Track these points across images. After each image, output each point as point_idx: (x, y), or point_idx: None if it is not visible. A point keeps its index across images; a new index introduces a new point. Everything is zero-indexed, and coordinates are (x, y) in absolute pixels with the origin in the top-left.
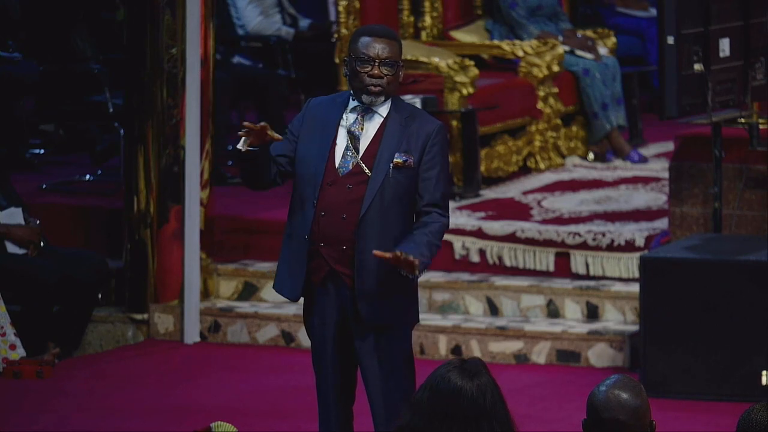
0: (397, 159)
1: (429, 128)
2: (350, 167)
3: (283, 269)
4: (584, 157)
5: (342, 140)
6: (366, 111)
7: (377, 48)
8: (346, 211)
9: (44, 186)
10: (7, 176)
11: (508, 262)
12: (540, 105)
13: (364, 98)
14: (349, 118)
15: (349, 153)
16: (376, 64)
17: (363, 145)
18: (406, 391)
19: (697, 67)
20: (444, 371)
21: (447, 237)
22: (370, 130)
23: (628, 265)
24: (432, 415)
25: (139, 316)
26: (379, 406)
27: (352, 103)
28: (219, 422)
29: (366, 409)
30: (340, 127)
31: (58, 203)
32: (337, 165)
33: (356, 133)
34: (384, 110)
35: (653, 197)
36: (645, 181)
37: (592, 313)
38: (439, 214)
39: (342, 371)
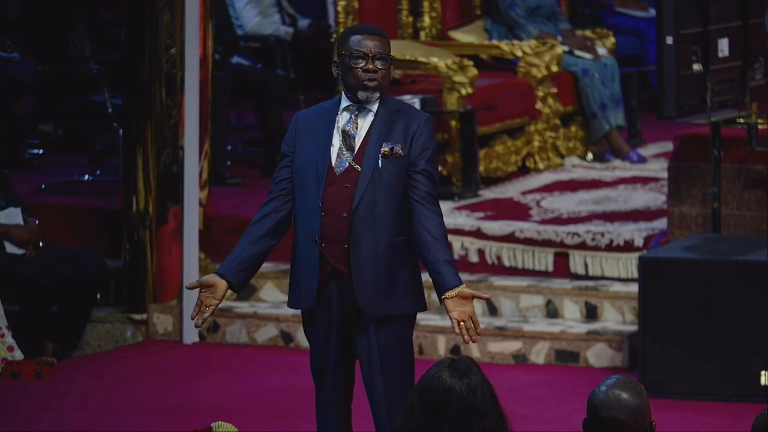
0: (385, 148)
1: (416, 119)
2: (346, 165)
3: (299, 282)
4: (583, 158)
5: (337, 141)
6: (359, 109)
7: (370, 44)
8: (346, 209)
9: (43, 186)
10: (6, 176)
11: (506, 262)
12: (539, 105)
13: (360, 94)
14: (342, 117)
15: (344, 152)
16: (370, 58)
17: (357, 143)
18: (407, 390)
19: (696, 67)
20: (434, 371)
21: None
22: (363, 127)
23: (627, 265)
24: (424, 416)
25: (137, 317)
26: (381, 405)
27: (345, 103)
28: (219, 422)
29: (366, 410)
30: (335, 129)
31: (56, 203)
32: (333, 165)
33: (351, 132)
34: (375, 107)
35: (652, 197)
36: (644, 181)
37: (591, 313)
38: (434, 208)
39: (342, 371)
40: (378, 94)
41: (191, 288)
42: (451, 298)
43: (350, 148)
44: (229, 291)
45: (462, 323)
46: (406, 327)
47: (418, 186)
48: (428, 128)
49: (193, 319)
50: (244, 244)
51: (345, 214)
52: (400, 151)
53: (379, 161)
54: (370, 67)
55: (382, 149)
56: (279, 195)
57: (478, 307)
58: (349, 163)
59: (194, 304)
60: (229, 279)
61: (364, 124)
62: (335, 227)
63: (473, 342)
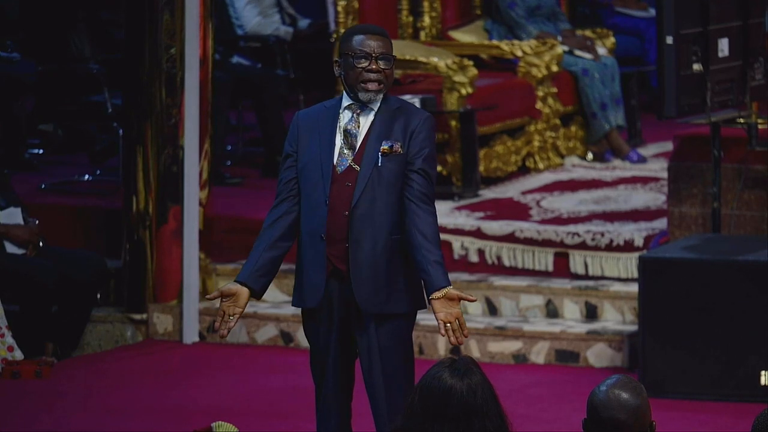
0: (384, 146)
1: (416, 118)
2: (347, 165)
3: (304, 280)
4: (583, 157)
5: (338, 140)
6: (361, 108)
7: (373, 44)
8: (346, 208)
9: (43, 186)
10: (6, 176)
11: (506, 262)
12: (539, 105)
13: (362, 95)
14: (344, 116)
15: (345, 151)
16: (374, 58)
17: (358, 142)
18: (407, 389)
19: (696, 67)
20: (435, 371)
21: (446, 237)
22: (364, 126)
23: (627, 265)
24: (424, 416)
25: (137, 316)
26: (381, 404)
27: (346, 102)
28: (220, 422)
29: (365, 409)
30: (337, 128)
31: (57, 203)
32: (335, 164)
33: (352, 131)
34: (376, 105)
35: (652, 197)
36: (644, 181)
37: (591, 313)
38: (428, 208)
39: (342, 370)
40: (380, 95)
41: (212, 299)
42: (438, 299)
43: (351, 147)
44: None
45: (448, 324)
46: (407, 326)
47: (413, 185)
48: (427, 127)
49: (217, 330)
50: (260, 250)
51: (345, 213)
52: (400, 149)
53: (379, 159)
54: (374, 67)
55: (382, 147)
56: (288, 197)
57: (478, 307)
58: (349, 162)
59: (192, 305)
60: (250, 286)
61: (366, 122)
62: (337, 225)
63: (459, 344)
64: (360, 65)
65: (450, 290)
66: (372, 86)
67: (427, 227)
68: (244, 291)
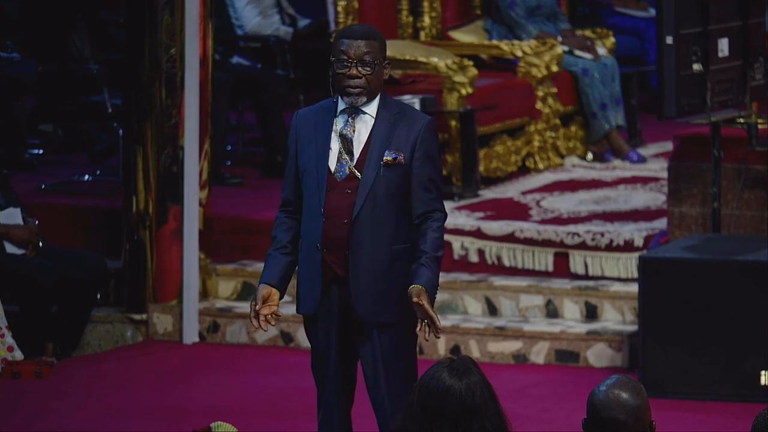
0: (387, 157)
1: (418, 124)
2: (346, 171)
3: (302, 287)
4: (583, 157)
5: (336, 145)
6: (356, 112)
7: (354, 48)
8: (347, 216)
9: (43, 186)
10: (6, 176)
11: (506, 262)
12: (539, 105)
13: (345, 100)
14: (340, 120)
15: (344, 156)
16: (354, 63)
17: (357, 148)
18: (409, 391)
19: (696, 67)
20: (434, 371)
21: (446, 237)
22: (362, 132)
23: (627, 265)
24: (423, 416)
25: (137, 317)
26: (385, 409)
27: (342, 105)
28: (219, 422)
29: (364, 410)
30: (333, 132)
31: (56, 203)
32: (333, 170)
33: (349, 135)
34: (373, 110)
35: (652, 197)
36: (644, 181)
37: (591, 313)
38: (439, 213)
39: (343, 375)
40: (364, 99)
41: (258, 309)
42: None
43: (350, 153)
44: (232, 293)
45: (423, 322)
46: (409, 332)
47: (421, 197)
48: (431, 133)
49: (256, 328)
50: (279, 255)
51: (346, 221)
52: (403, 160)
53: (381, 169)
54: (353, 72)
55: (385, 158)
56: (290, 210)
57: (478, 306)
58: (349, 168)
59: (192, 305)
60: (279, 289)
61: (364, 127)
62: (336, 233)
63: (437, 338)
64: (341, 71)
65: (411, 289)
66: (353, 91)
67: (429, 233)
68: (276, 292)
